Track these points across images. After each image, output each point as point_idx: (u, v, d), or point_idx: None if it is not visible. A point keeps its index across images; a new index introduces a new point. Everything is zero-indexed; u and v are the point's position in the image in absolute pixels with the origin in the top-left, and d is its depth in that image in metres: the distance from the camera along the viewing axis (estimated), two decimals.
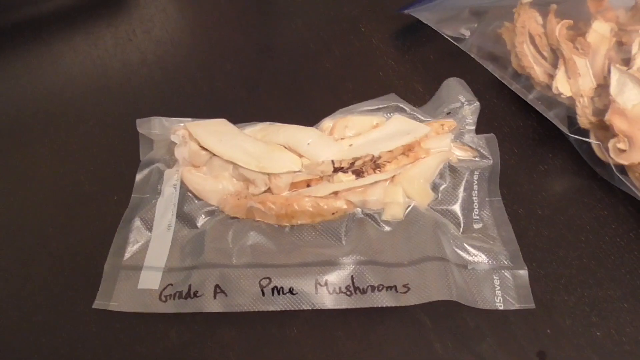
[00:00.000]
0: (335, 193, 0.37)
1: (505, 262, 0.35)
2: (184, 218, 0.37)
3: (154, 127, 0.41)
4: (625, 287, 0.34)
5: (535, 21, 0.43)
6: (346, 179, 0.37)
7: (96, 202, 0.40)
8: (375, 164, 0.37)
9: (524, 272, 0.34)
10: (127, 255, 0.35)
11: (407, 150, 0.38)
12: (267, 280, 0.33)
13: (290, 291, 0.33)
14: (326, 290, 0.33)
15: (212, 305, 0.33)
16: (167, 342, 0.33)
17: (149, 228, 0.36)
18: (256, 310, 0.33)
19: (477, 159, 0.39)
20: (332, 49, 0.49)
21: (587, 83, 0.39)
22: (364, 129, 0.39)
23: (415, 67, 0.47)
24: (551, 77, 0.41)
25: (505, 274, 0.34)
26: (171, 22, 0.53)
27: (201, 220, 0.37)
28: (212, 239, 0.36)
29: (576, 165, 0.40)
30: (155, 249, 0.36)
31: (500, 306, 0.33)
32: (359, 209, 0.37)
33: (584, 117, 0.39)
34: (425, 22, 0.45)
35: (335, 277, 0.33)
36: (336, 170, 0.37)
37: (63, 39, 0.51)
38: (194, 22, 0.53)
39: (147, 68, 0.49)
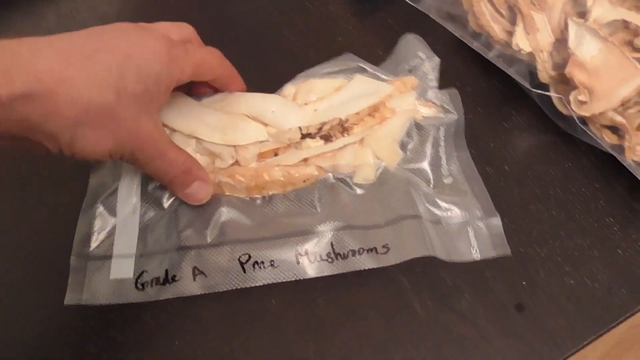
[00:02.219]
0: (305, 160, 0.36)
1: (478, 213, 0.35)
2: (150, 199, 0.35)
3: None
4: (594, 236, 0.35)
5: None
6: (315, 145, 0.36)
7: (53, 189, 0.38)
8: (343, 127, 0.37)
9: (497, 221, 0.35)
10: (93, 244, 0.34)
11: (373, 111, 0.37)
12: (247, 256, 0.33)
13: (272, 264, 0.32)
14: (307, 259, 0.33)
15: (193, 287, 0.32)
16: (143, 325, 0.32)
17: (113, 213, 0.34)
18: (240, 287, 0.32)
19: (441, 115, 0.39)
20: (291, 17, 0.48)
21: (545, 38, 0.40)
22: (327, 93, 0.38)
23: (376, 31, 0.47)
24: (510, 34, 0.41)
25: (479, 224, 0.35)
26: None
27: (168, 200, 0.35)
28: (183, 219, 0.34)
29: (539, 120, 0.40)
30: (122, 235, 0.34)
31: (477, 257, 0.33)
32: (330, 174, 0.36)
33: (545, 71, 0.39)
34: None
35: (315, 246, 0.33)
36: (304, 136, 0.36)
37: (1, 20, 0.48)
38: None
39: None
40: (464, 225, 0.35)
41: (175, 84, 0.32)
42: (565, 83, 0.39)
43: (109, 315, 0.32)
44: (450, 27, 0.42)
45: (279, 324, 0.32)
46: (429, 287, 0.33)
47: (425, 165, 0.37)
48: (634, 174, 0.36)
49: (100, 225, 0.34)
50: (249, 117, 0.36)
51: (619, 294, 0.33)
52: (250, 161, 0.36)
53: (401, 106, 0.38)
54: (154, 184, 0.36)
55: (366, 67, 0.39)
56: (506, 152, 0.39)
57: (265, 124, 0.36)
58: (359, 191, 0.36)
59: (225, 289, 0.32)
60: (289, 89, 0.39)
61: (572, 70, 0.37)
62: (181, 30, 0.34)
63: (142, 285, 0.32)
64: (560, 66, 0.39)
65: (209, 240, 0.33)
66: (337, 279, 0.33)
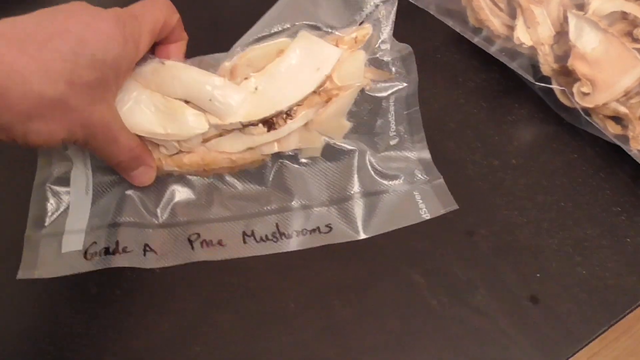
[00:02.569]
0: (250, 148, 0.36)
1: (422, 177, 0.37)
2: (101, 180, 0.36)
3: None
4: (603, 225, 0.36)
5: None
6: (258, 133, 0.35)
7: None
8: (286, 113, 0.35)
9: (440, 181, 0.36)
10: (47, 222, 0.35)
11: (318, 87, 0.35)
12: (196, 235, 0.34)
13: (219, 243, 0.34)
14: (253, 239, 0.34)
15: (143, 261, 0.33)
16: (161, 332, 0.32)
17: (66, 193, 0.35)
18: (187, 262, 0.33)
19: (394, 83, 0.37)
20: None
21: (546, 31, 0.40)
22: (268, 60, 0.35)
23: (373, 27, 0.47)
24: (509, 28, 0.41)
25: (425, 187, 0.36)
26: None
27: (120, 181, 0.36)
28: (135, 198, 0.35)
29: (542, 112, 0.41)
30: (75, 213, 0.35)
31: (426, 216, 0.35)
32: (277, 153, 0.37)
33: (546, 64, 0.40)
34: None
35: (261, 227, 0.35)
36: (245, 125, 0.35)
37: None
38: None
39: None
40: (411, 191, 0.36)
41: (134, 62, 0.32)
42: (568, 75, 0.39)
43: (125, 324, 0.32)
44: (450, 23, 0.42)
45: (297, 325, 0.32)
46: (443, 283, 0.33)
47: (372, 132, 0.37)
48: (639, 162, 0.36)
49: (54, 204, 0.35)
50: (186, 103, 0.34)
51: (629, 281, 0.33)
52: (196, 147, 0.35)
53: (349, 77, 0.35)
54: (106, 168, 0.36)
55: (310, 22, 0.36)
56: (511, 144, 0.40)
57: (205, 111, 0.34)
58: (304, 168, 0.37)
59: (172, 264, 0.33)
60: (225, 65, 0.35)
61: (574, 63, 0.38)
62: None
63: (91, 255, 0.33)
64: (561, 58, 0.39)
65: (161, 219, 0.35)
66: (352, 281, 0.33)
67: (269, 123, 0.35)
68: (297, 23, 0.35)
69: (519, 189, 0.37)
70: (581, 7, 0.39)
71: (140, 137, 0.34)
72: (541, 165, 0.38)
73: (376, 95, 0.37)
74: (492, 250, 0.35)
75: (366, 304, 0.33)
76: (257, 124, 0.35)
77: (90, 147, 0.31)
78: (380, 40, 0.37)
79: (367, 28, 0.36)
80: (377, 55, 0.37)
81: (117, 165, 0.33)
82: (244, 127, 0.35)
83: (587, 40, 0.38)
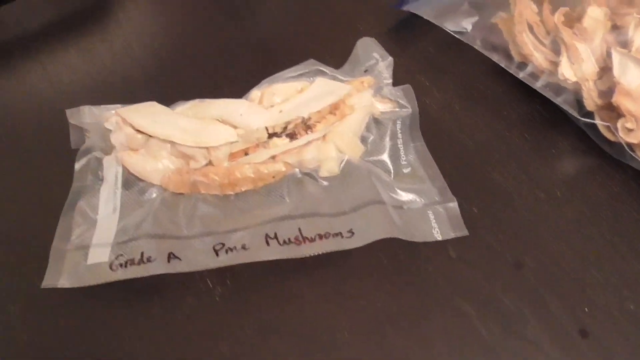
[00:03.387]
0: (273, 157, 0.39)
1: (436, 198, 0.38)
2: (129, 199, 0.38)
3: (84, 115, 0.41)
4: None
5: (531, 10, 0.44)
6: (281, 143, 0.39)
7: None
8: (306, 125, 0.40)
9: (453, 205, 0.37)
10: (73, 237, 0.36)
11: (334, 109, 0.41)
12: (221, 245, 0.35)
13: (243, 247, 0.35)
14: (276, 242, 0.35)
15: (166, 267, 0.34)
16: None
17: (94, 212, 0.37)
18: (210, 267, 0.34)
19: (397, 109, 0.42)
20: (330, 48, 0.49)
21: (590, 67, 0.41)
22: (290, 95, 0.42)
23: (417, 60, 0.48)
24: (552, 63, 0.42)
25: (438, 208, 0.37)
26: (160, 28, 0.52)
27: (147, 199, 0.38)
28: (162, 214, 0.37)
29: (585, 145, 0.42)
30: (102, 229, 0.36)
31: (438, 237, 0.36)
32: (297, 170, 0.39)
33: (590, 100, 0.41)
34: (426, 18, 0.46)
35: (284, 230, 0.36)
36: (271, 136, 0.40)
37: (56, 58, 0.50)
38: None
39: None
40: (424, 209, 0.37)
41: None
42: (611, 110, 0.40)
43: (184, 349, 0.34)
44: (495, 58, 0.43)
45: (352, 354, 0.33)
46: (493, 313, 0.34)
47: (385, 157, 0.40)
48: None
49: (81, 221, 0.37)
50: (219, 120, 0.40)
51: None
52: (223, 161, 0.39)
53: (359, 103, 0.41)
54: (134, 185, 0.39)
55: (326, 70, 0.43)
56: (555, 176, 0.40)
57: (235, 126, 0.40)
58: (324, 183, 0.39)
59: (196, 269, 0.34)
60: (254, 93, 0.42)
61: (619, 99, 0.39)
62: None
63: (116, 267, 0.34)
64: (605, 94, 0.40)
65: (185, 232, 0.36)
66: (405, 310, 0.34)
67: (290, 134, 0.40)
68: (314, 69, 0.43)
69: (564, 221, 0.38)
70: (625, 44, 0.40)
71: (173, 145, 0.38)
72: (586, 198, 0.39)
73: (384, 122, 0.41)
74: (540, 282, 0.35)
75: (419, 333, 0.34)
76: (280, 135, 0.39)
77: None
78: (382, 89, 0.43)
79: (370, 79, 0.43)
80: (381, 93, 0.43)
81: None
82: (270, 137, 0.39)
83: (631, 77, 0.39)
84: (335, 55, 0.47)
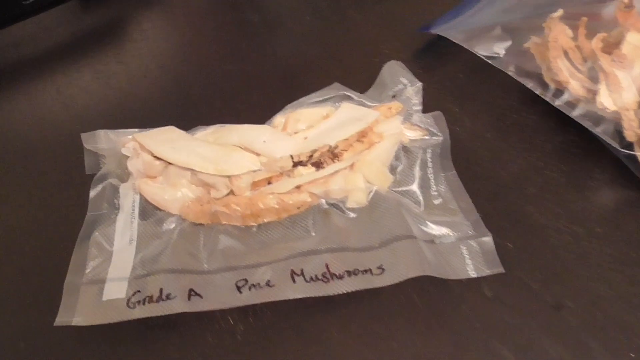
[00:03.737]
0: (298, 187, 0.37)
1: (470, 232, 0.36)
2: (147, 229, 0.36)
3: (100, 140, 0.40)
4: None
5: (566, 34, 0.43)
6: (306, 172, 0.37)
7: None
8: (333, 153, 0.38)
9: (488, 239, 0.35)
10: (88, 270, 0.34)
11: (361, 136, 0.39)
12: (244, 281, 0.33)
13: (267, 284, 0.33)
14: (303, 279, 0.33)
15: (186, 306, 0.32)
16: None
17: (110, 243, 0.35)
18: (235, 306, 0.32)
19: (427, 137, 0.40)
20: (354, 73, 0.48)
21: (630, 96, 0.39)
22: (315, 121, 0.40)
23: (445, 86, 0.46)
24: (590, 91, 0.41)
25: (472, 243, 0.35)
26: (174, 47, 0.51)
27: (165, 230, 0.36)
28: (181, 247, 0.35)
29: (624, 177, 0.40)
30: (118, 262, 0.34)
31: (473, 274, 0.34)
32: (323, 200, 0.37)
33: (631, 130, 0.39)
34: (456, 42, 0.44)
35: (311, 266, 0.33)
36: (295, 164, 0.37)
37: (72, 80, 0.48)
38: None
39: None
40: (457, 244, 0.35)
41: None
42: None
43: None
44: (530, 85, 0.42)
45: None
46: (532, 359, 0.32)
47: (414, 187, 0.38)
48: None
49: (96, 253, 0.35)
50: (241, 148, 0.38)
51: None
52: (245, 190, 0.37)
53: (388, 130, 0.39)
54: (151, 215, 0.37)
55: (352, 95, 0.42)
56: (594, 211, 0.38)
57: (258, 154, 0.38)
58: (351, 215, 0.36)
59: (219, 308, 0.32)
60: (278, 119, 0.40)
61: None
62: None
63: (134, 304, 0.32)
64: None
65: (205, 267, 0.34)
66: (437, 353, 0.32)
67: (316, 163, 0.37)
68: (340, 93, 0.42)
69: (605, 259, 0.36)
70: None
71: (193, 173, 0.37)
72: (628, 235, 0.37)
73: (414, 150, 0.39)
74: (582, 326, 0.33)
75: None
76: (306, 163, 0.37)
77: None
78: (411, 116, 0.41)
79: (398, 104, 0.41)
80: (411, 120, 0.41)
81: None
82: (294, 165, 0.37)
83: None
84: (359, 80, 0.46)
